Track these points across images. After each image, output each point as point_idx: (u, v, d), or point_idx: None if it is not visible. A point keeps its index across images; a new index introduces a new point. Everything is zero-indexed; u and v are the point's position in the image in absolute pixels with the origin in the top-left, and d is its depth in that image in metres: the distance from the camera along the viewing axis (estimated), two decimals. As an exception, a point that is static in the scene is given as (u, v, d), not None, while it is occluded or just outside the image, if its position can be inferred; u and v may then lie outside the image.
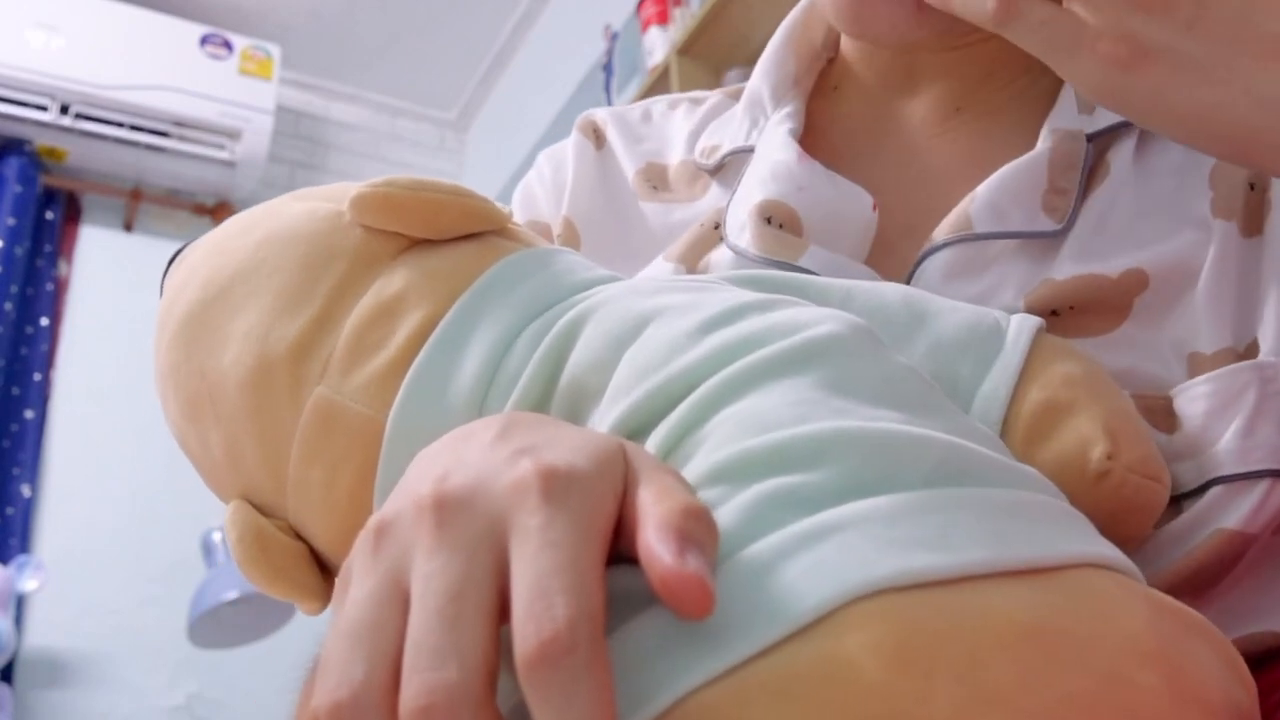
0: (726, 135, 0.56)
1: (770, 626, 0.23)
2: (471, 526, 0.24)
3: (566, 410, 0.35)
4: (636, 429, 0.32)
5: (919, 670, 0.22)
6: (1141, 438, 0.36)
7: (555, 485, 0.24)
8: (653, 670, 0.23)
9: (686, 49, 1.97)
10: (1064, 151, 0.44)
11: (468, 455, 0.27)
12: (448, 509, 0.24)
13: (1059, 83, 0.47)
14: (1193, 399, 0.38)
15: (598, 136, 0.61)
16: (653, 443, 0.31)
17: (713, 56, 1.98)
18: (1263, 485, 0.37)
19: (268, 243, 0.41)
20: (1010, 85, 0.50)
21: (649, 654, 0.23)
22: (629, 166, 0.59)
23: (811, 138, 0.53)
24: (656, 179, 0.58)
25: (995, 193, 0.44)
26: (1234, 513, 0.37)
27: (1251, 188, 0.40)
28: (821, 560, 0.24)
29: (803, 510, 0.25)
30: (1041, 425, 0.36)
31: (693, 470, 0.28)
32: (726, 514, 0.26)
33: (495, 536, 0.24)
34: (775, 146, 0.51)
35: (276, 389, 0.38)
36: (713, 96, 0.61)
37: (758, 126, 0.54)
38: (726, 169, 0.55)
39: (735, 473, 0.27)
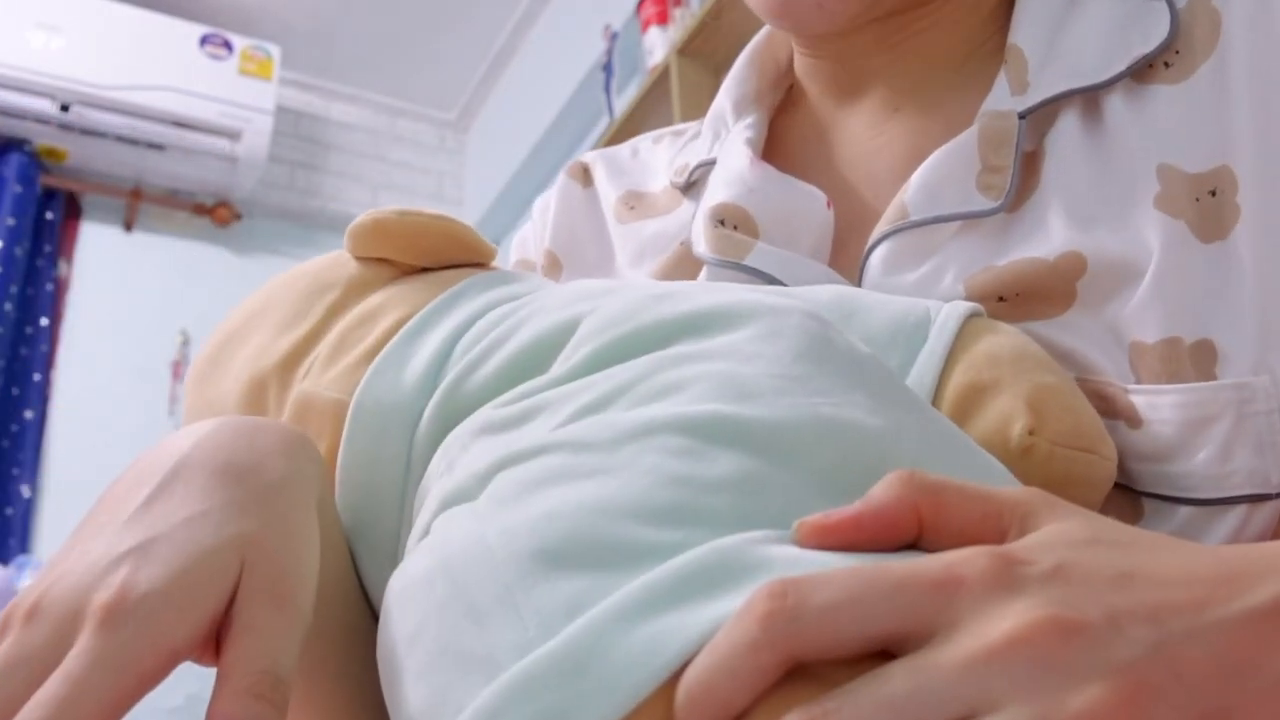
0: (694, 153, 0.57)
1: None
2: (40, 637, 0.27)
3: (526, 362, 0.36)
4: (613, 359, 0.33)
5: None
6: (1069, 410, 0.35)
7: (114, 618, 0.27)
8: None
9: (686, 49, 1.97)
10: (994, 130, 0.43)
11: (87, 551, 0.29)
12: (34, 617, 0.28)
13: (996, 69, 0.46)
14: (1157, 405, 0.37)
15: (585, 176, 0.63)
16: (625, 371, 0.32)
17: (713, 56, 1.98)
18: (1239, 510, 0.36)
19: (275, 284, 0.45)
20: (949, 78, 0.50)
21: None
22: (612, 196, 0.60)
23: (772, 151, 0.54)
24: (635, 201, 0.59)
25: (928, 178, 0.44)
26: (1210, 537, 0.36)
27: (1213, 194, 0.39)
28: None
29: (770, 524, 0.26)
30: (966, 406, 0.35)
31: (667, 406, 0.29)
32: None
33: (57, 651, 0.27)
34: (732, 155, 0.52)
35: (267, 396, 0.41)
36: (693, 127, 0.62)
37: (720, 139, 0.55)
38: (696, 185, 0.56)
39: (708, 436, 0.28)
